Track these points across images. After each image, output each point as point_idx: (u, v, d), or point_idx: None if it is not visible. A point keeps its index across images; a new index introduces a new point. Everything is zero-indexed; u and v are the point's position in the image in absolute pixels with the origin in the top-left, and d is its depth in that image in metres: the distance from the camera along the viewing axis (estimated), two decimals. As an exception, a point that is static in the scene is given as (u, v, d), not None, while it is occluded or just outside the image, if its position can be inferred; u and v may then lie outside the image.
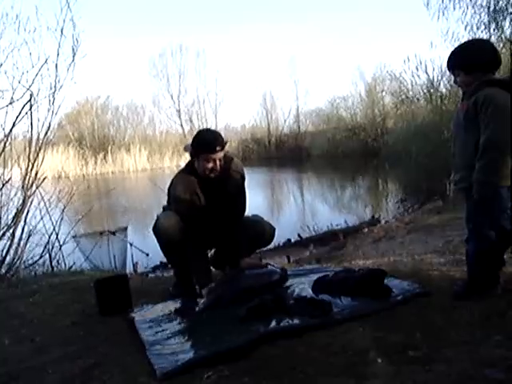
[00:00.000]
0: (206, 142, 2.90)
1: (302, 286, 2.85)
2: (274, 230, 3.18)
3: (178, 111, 32.66)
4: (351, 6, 44.65)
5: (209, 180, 2.94)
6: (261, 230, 3.13)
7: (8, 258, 4.60)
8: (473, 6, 8.79)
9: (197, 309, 2.64)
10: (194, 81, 33.70)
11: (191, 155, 2.99)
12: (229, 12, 48.31)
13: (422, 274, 2.93)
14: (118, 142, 29.19)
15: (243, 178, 3.10)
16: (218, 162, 2.88)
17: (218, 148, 2.85)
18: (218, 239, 3.12)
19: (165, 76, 32.48)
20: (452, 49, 2.44)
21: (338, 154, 24.42)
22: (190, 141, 3.02)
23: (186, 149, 3.06)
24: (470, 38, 8.22)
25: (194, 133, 3.08)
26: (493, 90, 2.22)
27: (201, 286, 2.82)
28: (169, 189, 3.08)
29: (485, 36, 8.48)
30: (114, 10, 46.03)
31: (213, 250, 3.27)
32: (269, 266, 3.13)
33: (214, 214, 2.97)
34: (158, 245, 3.03)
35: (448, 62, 2.43)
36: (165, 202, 3.21)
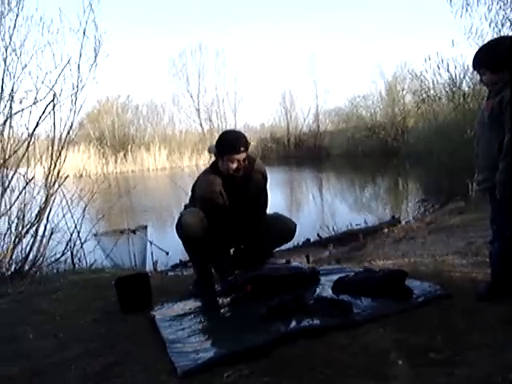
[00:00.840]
0: (230, 142, 2.97)
1: (322, 287, 2.84)
2: (295, 225, 3.20)
3: (198, 110, 32.79)
4: (372, 3, 44.20)
5: (232, 180, 2.99)
6: (283, 227, 3.16)
7: (31, 255, 4.68)
8: (497, 2, 8.63)
9: (219, 302, 2.68)
10: (214, 80, 33.69)
11: (216, 156, 3.03)
12: (248, 10, 48.35)
13: (443, 275, 2.90)
14: (138, 141, 29.46)
15: (265, 179, 3.17)
16: (241, 163, 2.94)
17: (241, 149, 2.92)
18: (241, 238, 3.15)
19: (184, 75, 32.67)
20: (476, 46, 2.41)
21: (357, 154, 24.24)
22: (209, 140, 3.08)
23: (210, 150, 3.13)
24: (495, 36, 8.10)
25: (216, 133, 3.16)
26: (519, 89, 2.18)
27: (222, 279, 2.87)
28: (193, 188, 3.14)
29: (511, 33, 8.32)
30: (134, 9, 46.47)
31: (233, 250, 3.29)
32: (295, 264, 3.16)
33: (237, 213, 3.01)
34: (180, 242, 3.07)
35: (473, 60, 2.39)
36: (185, 201, 3.25)
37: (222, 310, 2.62)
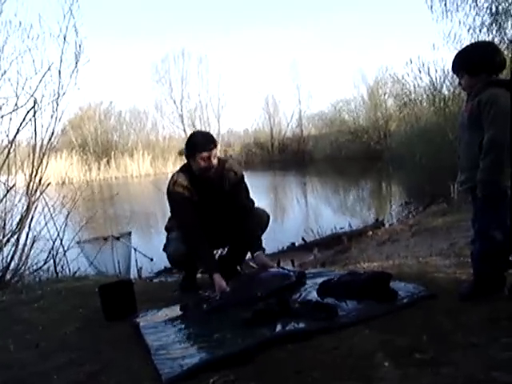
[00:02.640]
0: (200, 141, 3.06)
1: (307, 290, 2.84)
2: (268, 215, 3.32)
3: (181, 116, 32.65)
4: (352, 8, 44.60)
5: (205, 180, 3.07)
6: (255, 213, 3.25)
7: (13, 264, 4.60)
8: (475, 8, 8.83)
9: (204, 306, 2.69)
10: (197, 86, 33.74)
11: (186, 157, 3.12)
12: (230, 17, 48.50)
13: (427, 276, 2.92)
14: (121, 148, 29.26)
15: (240, 176, 3.22)
16: (212, 159, 3.01)
17: (211, 146, 3.02)
18: (226, 240, 3.21)
19: (167, 81, 32.52)
20: (454, 51, 2.45)
21: (341, 158, 24.41)
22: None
23: (180, 153, 3.25)
24: (473, 40, 8.28)
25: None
26: (497, 91, 2.22)
27: (208, 273, 2.95)
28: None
29: (487, 38, 8.51)
30: (116, 15, 46.27)
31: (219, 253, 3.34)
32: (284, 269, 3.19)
33: (215, 214, 3.11)
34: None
35: (453, 64, 2.44)
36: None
37: (205, 314, 2.61)
